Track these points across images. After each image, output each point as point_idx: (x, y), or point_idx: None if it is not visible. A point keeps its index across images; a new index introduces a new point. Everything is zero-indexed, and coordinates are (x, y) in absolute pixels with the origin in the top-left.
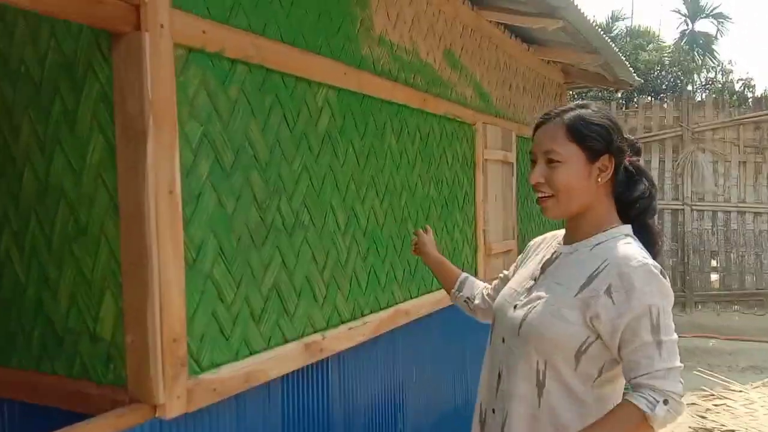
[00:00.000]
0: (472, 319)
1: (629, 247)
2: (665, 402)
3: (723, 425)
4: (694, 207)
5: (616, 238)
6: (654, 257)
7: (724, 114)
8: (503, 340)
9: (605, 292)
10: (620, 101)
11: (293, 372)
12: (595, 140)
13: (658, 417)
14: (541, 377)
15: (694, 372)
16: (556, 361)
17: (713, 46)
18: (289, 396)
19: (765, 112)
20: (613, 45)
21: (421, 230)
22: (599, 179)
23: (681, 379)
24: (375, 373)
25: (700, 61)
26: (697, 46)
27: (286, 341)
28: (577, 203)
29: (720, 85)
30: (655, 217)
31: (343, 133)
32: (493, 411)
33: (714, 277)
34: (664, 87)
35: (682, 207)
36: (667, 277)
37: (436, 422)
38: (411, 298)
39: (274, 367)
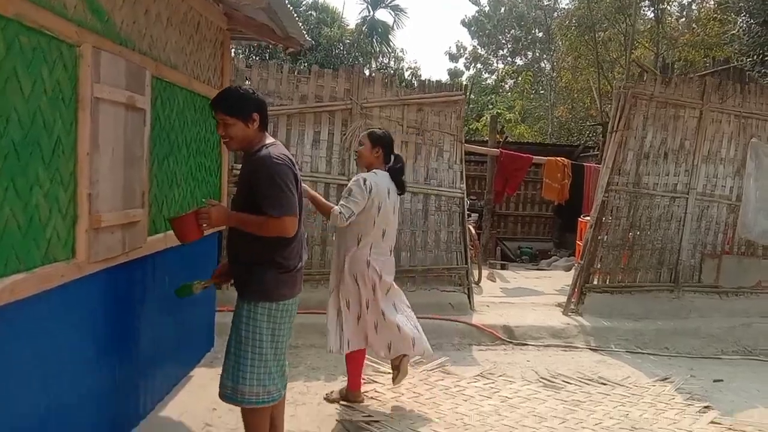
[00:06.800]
0: None
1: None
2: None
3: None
4: None
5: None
6: (401, 190)
7: (391, 93)
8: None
9: None
10: (301, 70)
11: None
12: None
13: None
14: None
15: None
16: None
17: (389, 35)
18: None
19: (428, 95)
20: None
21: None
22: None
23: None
24: None
25: (378, 48)
26: (375, 34)
27: None
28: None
29: (392, 71)
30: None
31: None
32: None
33: None
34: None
35: (347, 183)
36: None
37: None
38: None
39: None
